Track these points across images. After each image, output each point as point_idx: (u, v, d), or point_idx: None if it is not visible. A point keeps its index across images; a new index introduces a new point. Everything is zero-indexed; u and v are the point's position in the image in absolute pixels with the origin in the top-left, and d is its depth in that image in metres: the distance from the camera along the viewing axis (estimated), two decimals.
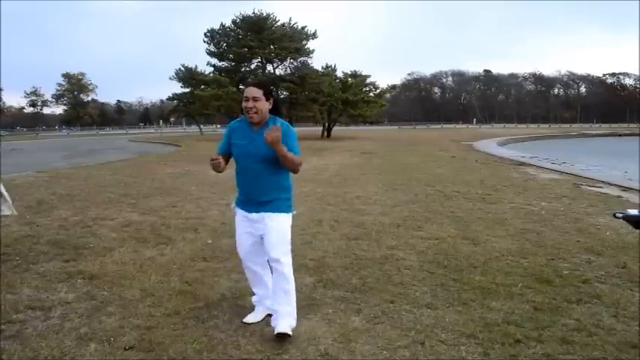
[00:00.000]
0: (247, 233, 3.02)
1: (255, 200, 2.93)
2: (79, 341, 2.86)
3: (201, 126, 55.17)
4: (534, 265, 4.27)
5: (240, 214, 3.05)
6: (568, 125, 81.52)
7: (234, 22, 37.77)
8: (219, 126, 66.38)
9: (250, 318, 3.13)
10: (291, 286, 2.97)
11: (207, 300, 3.50)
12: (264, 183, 2.88)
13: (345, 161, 15.96)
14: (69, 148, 26.74)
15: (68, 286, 3.79)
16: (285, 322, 2.89)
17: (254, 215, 2.94)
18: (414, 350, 2.75)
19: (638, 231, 2.52)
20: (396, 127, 69.29)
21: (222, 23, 37.97)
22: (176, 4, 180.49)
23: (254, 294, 3.26)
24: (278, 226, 2.90)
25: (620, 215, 2.40)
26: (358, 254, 4.62)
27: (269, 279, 3.13)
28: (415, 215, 6.53)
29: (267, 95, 2.86)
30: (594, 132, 55.40)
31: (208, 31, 38.22)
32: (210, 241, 5.12)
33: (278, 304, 2.96)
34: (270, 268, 3.05)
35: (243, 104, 2.85)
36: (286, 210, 2.96)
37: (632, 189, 9.14)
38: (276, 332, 2.86)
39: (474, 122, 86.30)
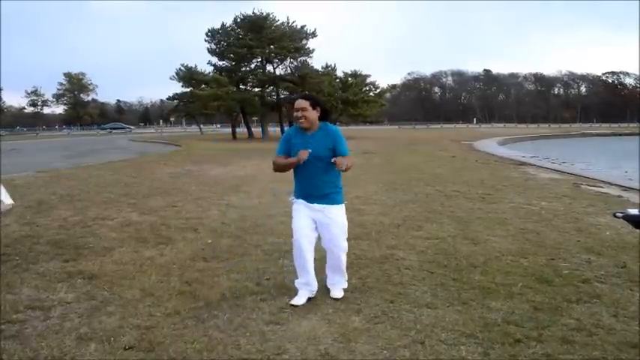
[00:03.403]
0: (307, 217, 3.44)
1: (314, 194, 3.40)
2: (79, 341, 2.86)
3: (201, 126, 55.13)
4: (534, 265, 4.27)
5: (301, 203, 3.47)
6: (568, 125, 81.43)
7: (234, 21, 37.74)
8: (219, 126, 66.40)
9: (295, 300, 3.43)
10: (345, 264, 3.58)
11: (207, 300, 3.50)
12: (319, 180, 3.37)
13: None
14: (69, 148, 26.74)
15: (68, 286, 3.80)
16: (339, 290, 3.57)
17: (316, 205, 3.41)
18: (414, 350, 2.75)
19: (638, 231, 2.52)
20: (396, 127, 69.36)
21: (223, 23, 37.94)
22: (176, 4, 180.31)
23: (297, 277, 3.57)
24: (338, 219, 3.44)
25: (620, 215, 2.40)
26: (358, 254, 4.62)
27: (312, 266, 3.50)
28: (415, 215, 6.53)
29: (314, 105, 3.37)
30: (594, 132, 55.37)
31: (209, 30, 38.19)
32: (210, 241, 5.12)
33: (333, 276, 3.60)
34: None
35: (294, 114, 3.40)
36: (341, 201, 3.49)
37: (632, 189, 9.14)
38: (331, 295, 3.53)
39: (474, 122, 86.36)
